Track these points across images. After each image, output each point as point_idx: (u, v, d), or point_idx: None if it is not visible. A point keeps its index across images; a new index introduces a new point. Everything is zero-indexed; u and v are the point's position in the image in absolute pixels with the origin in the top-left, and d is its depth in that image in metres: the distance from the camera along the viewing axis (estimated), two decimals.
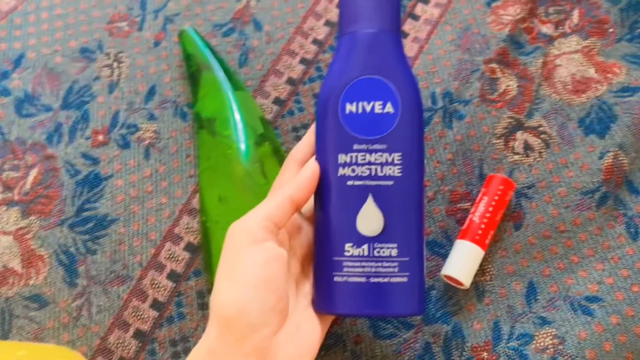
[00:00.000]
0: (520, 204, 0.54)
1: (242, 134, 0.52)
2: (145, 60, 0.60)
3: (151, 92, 0.59)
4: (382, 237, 0.41)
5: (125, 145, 0.57)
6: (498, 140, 0.57)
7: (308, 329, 0.41)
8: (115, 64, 0.60)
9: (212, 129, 0.53)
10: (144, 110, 0.59)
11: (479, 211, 0.52)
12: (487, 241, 0.51)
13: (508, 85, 0.59)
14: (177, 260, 0.54)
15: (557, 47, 0.60)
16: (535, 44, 0.60)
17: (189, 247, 0.54)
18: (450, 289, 0.52)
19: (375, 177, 0.41)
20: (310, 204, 0.47)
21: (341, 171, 0.42)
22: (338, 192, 0.42)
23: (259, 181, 0.50)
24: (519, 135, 0.57)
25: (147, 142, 0.57)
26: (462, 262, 0.50)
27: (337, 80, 0.43)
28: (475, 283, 0.52)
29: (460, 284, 0.50)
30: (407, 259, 0.41)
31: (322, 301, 0.42)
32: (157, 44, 0.61)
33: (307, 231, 0.45)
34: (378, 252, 0.41)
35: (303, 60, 0.60)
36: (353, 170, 0.41)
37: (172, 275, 0.53)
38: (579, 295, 0.51)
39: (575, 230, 0.53)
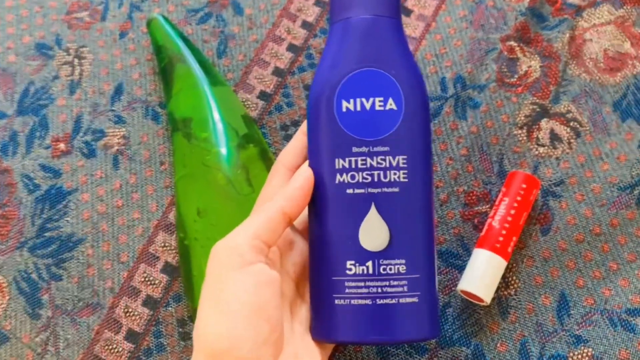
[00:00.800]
0: (547, 204, 0.51)
1: (222, 136, 0.49)
2: (110, 54, 0.56)
3: (118, 92, 0.55)
4: (388, 252, 0.39)
5: (90, 153, 0.54)
6: (520, 131, 0.53)
7: (306, 359, 0.39)
8: (76, 61, 0.56)
9: (187, 131, 0.50)
10: (110, 112, 0.55)
11: (499, 214, 0.49)
12: (509, 249, 0.48)
13: (530, 66, 0.55)
14: (154, 284, 0.50)
15: (586, 19, 0.56)
16: (560, 16, 0.56)
17: (166, 269, 0.51)
18: (469, 305, 0.49)
19: (378, 184, 0.39)
20: (303, 215, 0.44)
21: (339, 178, 0.40)
22: (336, 203, 0.40)
23: (243, 190, 0.48)
24: (544, 123, 0.53)
25: (115, 149, 0.54)
26: (481, 275, 0.47)
27: (331, 73, 0.41)
28: (497, 298, 0.49)
29: (481, 300, 0.47)
30: (417, 275, 0.39)
31: (321, 328, 0.40)
32: (123, 35, 0.57)
33: (301, 247, 0.43)
34: (384, 269, 0.39)
35: (291, 47, 0.56)
36: (352, 177, 0.39)
37: (149, 302, 0.50)
38: (618, 309, 0.48)
39: (612, 232, 0.50)
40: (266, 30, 0.57)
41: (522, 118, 0.53)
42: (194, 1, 0.57)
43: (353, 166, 0.39)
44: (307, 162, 0.42)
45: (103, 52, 0.56)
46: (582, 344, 0.47)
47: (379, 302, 0.38)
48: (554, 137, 0.52)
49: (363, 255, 0.39)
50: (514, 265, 0.49)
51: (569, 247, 0.50)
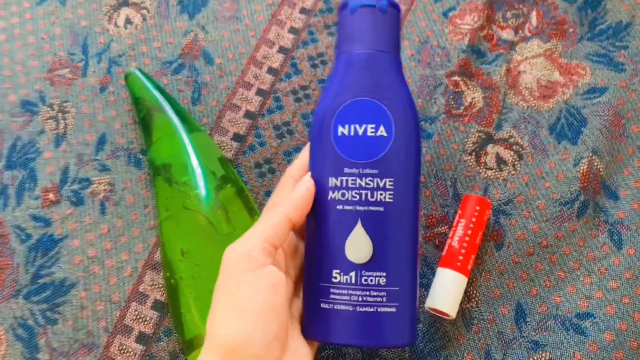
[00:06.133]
0: (499, 222, 0.46)
1: (200, 179, 0.44)
2: (92, 107, 0.49)
3: (101, 142, 0.48)
4: (370, 265, 0.36)
5: (78, 201, 0.47)
6: (469, 157, 0.48)
7: (303, 355, 0.36)
8: (60, 115, 0.49)
9: (168, 176, 0.44)
10: (95, 161, 0.48)
11: (457, 235, 0.44)
12: (469, 267, 0.44)
13: (473, 98, 0.50)
14: (145, 320, 0.44)
15: (519, 53, 0.52)
16: (496, 51, 0.51)
17: (156, 306, 0.44)
18: (436, 320, 0.44)
19: (365, 203, 0.36)
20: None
21: (331, 195, 0.37)
22: (328, 216, 0.37)
23: (223, 230, 0.42)
24: (490, 149, 0.49)
25: (101, 195, 0.47)
26: (446, 292, 0.43)
27: (331, 101, 0.38)
28: (461, 311, 0.45)
29: (447, 315, 0.43)
30: (396, 288, 0.36)
31: (310, 327, 0.37)
32: (103, 89, 0.50)
33: (303, 251, 0.40)
34: (365, 280, 0.36)
35: (260, 92, 0.50)
36: (343, 195, 0.37)
37: (142, 338, 0.44)
38: (569, 314, 0.44)
39: (558, 243, 0.46)
40: (236, 77, 0.51)
41: (470, 145, 0.48)
42: (168, 54, 0.51)
43: (344, 185, 0.37)
44: (309, 173, 0.39)
45: (85, 106, 0.49)
46: (540, 349, 0.43)
47: (359, 309, 0.36)
48: (500, 160, 0.48)
49: (347, 266, 0.36)
50: (474, 279, 0.45)
51: (521, 260, 0.45)
